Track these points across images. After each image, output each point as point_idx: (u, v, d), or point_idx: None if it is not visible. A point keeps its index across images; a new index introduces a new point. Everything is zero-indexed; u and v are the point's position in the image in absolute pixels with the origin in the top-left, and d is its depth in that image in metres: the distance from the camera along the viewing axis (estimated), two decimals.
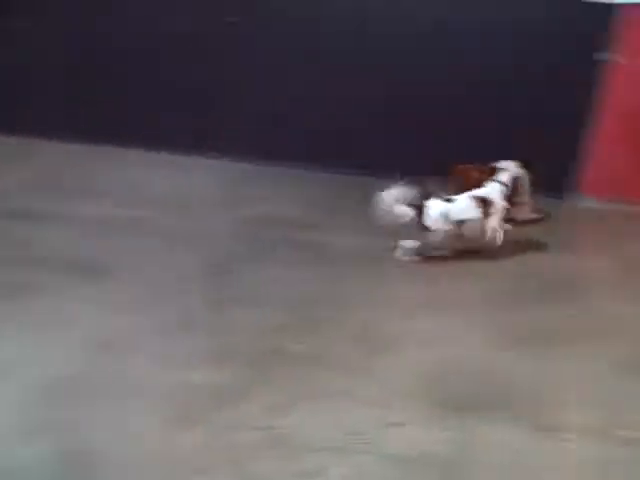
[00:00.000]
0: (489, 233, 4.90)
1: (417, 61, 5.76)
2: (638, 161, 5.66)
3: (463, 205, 4.88)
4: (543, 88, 5.57)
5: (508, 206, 4.97)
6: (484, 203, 4.89)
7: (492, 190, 4.96)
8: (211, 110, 6.10)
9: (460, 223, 4.85)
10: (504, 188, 4.98)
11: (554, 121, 5.57)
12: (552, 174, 5.48)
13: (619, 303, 4.26)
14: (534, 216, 5.40)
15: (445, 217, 4.81)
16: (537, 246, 5.08)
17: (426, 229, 4.79)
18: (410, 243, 4.83)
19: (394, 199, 4.70)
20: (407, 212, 4.74)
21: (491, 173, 5.08)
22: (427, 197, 4.79)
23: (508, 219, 5.03)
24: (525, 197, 5.21)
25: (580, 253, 4.95)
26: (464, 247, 4.88)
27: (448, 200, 4.88)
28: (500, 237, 4.93)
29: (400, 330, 3.97)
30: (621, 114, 5.58)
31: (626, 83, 5.51)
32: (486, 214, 4.89)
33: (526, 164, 5.08)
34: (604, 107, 5.53)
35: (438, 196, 4.86)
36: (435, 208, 4.81)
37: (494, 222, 4.91)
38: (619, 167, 5.67)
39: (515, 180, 5.04)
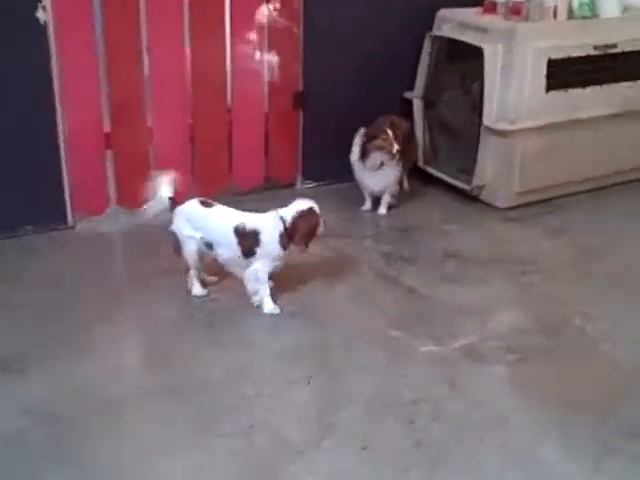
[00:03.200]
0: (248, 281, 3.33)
1: None
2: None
3: (219, 220, 3.33)
4: None
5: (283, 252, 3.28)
6: (248, 236, 3.26)
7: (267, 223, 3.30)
8: None
9: (210, 245, 3.35)
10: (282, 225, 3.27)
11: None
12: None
13: None
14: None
15: (193, 226, 3.34)
16: None
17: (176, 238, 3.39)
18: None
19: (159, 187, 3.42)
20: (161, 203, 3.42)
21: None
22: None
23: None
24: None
25: None
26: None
27: (207, 205, 3.39)
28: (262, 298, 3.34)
29: None
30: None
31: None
32: (246, 251, 3.28)
33: None
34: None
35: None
36: (185, 210, 3.38)
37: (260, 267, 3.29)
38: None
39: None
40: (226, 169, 4.45)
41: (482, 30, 4.27)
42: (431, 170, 4.75)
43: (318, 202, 4.40)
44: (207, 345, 3.12)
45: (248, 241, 3.23)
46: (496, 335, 3.21)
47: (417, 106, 4.72)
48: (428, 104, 4.71)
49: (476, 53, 4.25)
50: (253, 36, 4.32)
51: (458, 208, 4.46)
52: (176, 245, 3.39)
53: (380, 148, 4.15)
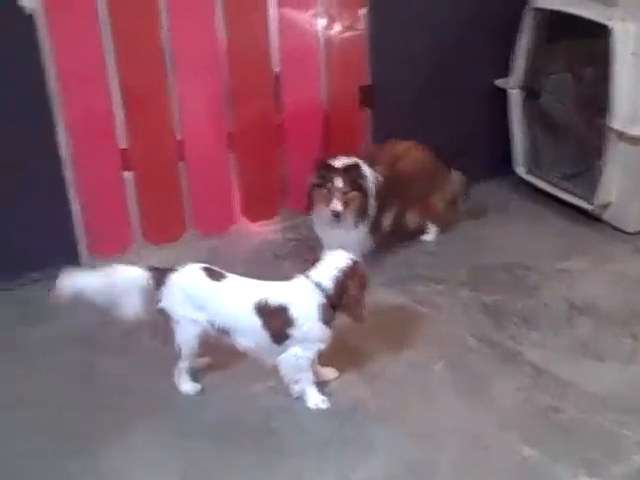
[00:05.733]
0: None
1: None
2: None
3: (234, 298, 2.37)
4: None
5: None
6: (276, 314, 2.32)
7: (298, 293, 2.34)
8: None
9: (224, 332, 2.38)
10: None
11: None
12: None
13: None
14: None
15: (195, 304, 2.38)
16: None
17: None
18: None
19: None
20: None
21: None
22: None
23: None
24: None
25: None
26: None
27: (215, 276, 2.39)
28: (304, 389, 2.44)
29: None
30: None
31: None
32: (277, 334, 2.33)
33: None
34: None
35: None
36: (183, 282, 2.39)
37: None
38: None
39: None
40: (278, 190, 3.52)
41: (607, 2, 3.24)
42: (533, 180, 3.77)
43: None
44: (262, 470, 2.21)
45: (276, 321, 2.30)
46: None
47: (514, 98, 3.72)
48: (529, 94, 3.70)
49: (588, 29, 3.27)
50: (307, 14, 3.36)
51: (574, 233, 3.48)
52: (163, 329, 2.44)
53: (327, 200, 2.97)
